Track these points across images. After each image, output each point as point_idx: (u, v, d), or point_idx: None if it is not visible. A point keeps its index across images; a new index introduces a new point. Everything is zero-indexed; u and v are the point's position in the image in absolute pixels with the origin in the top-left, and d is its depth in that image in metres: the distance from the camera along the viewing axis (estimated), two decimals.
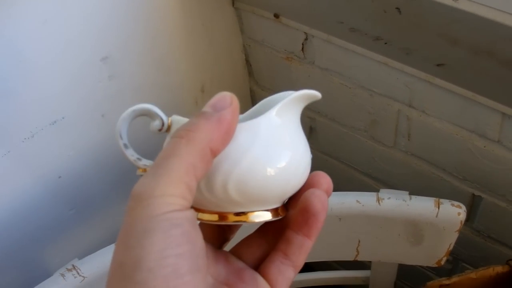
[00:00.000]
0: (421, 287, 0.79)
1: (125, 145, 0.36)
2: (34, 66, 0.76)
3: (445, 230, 0.75)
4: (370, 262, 0.89)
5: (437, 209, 0.74)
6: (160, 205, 0.29)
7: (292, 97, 0.36)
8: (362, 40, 0.84)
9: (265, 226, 0.39)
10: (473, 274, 0.79)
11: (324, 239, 0.73)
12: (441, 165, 0.93)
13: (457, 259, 1.07)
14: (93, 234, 0.98)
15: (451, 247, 0.78)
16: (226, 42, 1.05)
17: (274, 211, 0.36)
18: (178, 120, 0.36)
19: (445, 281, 0.79)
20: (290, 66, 1.01)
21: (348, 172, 1.08)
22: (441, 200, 0.75)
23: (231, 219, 0.35)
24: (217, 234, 0.39)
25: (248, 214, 0.36)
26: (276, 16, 0.94)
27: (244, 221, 0.36)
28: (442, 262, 0.80)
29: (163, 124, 0.36)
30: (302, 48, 0.96)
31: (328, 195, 0.36)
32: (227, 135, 0.32)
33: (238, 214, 0.35)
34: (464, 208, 0.75)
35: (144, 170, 0.36)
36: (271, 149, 0.34)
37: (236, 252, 0.38)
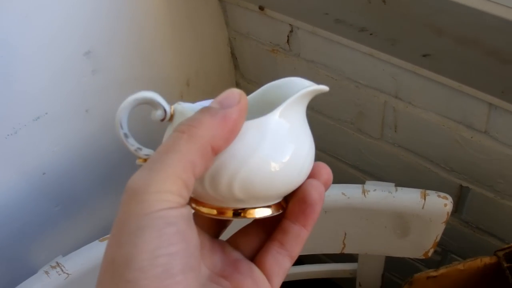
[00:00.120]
0: (409, 279, 0.79)
1: (126, 135, 0.35)
2: (16, 62, 0.75)
3: (431, 222, 0.75)
4: (358, 254, 0.89)
5: (423, 200, 0.74)
6: (154, 202, 0.28)
7: (300, 94, 0.35)
8: (347, 31, 0.84)
9: None
10: (460, 266, 0.78)
11: (310, 232, 0.72)
12: (428, 156, 0.93)
13: (446, 251, 1.07)
14: (80, 230, 0.98)
15: (438, 239, 0.78)
16: (211, 35, 1.05)
17: (275, 206, 0.36)
18: (181, 111, 0.35)
19: (432, 273, 0.78)
20: (276, 58, 1.00)
21: (335, 164, 1.08)
22: (427, 191, 0.75)
23: (231, 215, 0.35)
24: (213, 223, 0.38)
25: (249, 210, 0.35)
26: (261, 8, 0.94)
27: (244, 217, 0.35)
28: (429, 254, 0.80)
29: (165, 114, 0.35)
30: (288, 40, 0.96)
31: (328, 186, 0.37)
32: (231, 134, 0.31)
33: (238, 210, 0.35)
34: (450, 199, 0.74)
35: (144, 160, 0.35)
36: (278, 149, 0.34)
37: (233, 241, 0.38)
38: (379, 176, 1.05)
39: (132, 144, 0.35)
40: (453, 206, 0.96)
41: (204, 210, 0.35)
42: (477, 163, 0.86)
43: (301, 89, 0.35)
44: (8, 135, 0.78)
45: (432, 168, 0.94)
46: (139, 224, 0.28)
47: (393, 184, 0.76)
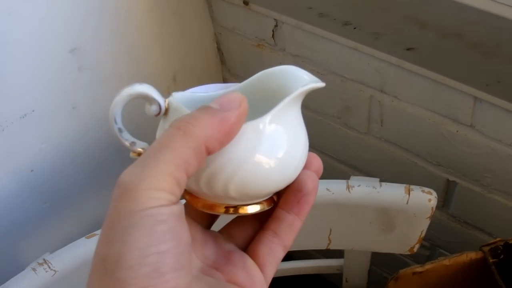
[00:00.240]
0: (394, 275, 0.78)
1: (120, 129, 0.34)
2: (1, 60, 0.75)
3: (416, 217, 0.74)
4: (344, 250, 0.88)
5: (407, 195, 0.73)
6: (146, 200, 0.28)
7: (297, 94, 0.34)
8: (332, 25, 0.83)
9: None
10: (446, 261, 0.78)
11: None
12: (415, 150, 0.93)
13: (435, 246, 1.06)
14: (68, 227, 0.98)
15: (423, 234, 0.77)
16: (197, 30, 1.04)
17: (266, 201, 0.36)
18: (176, 106, 0.34)
19: (418, 268, 0.78)
20: (261, 53, 1.00)
21: (322, 159, 1.05)
22: (412, 186, 0.74)
23: (223, 211, 0.35)
24: (205, 214, 0.38)
25: (241, 206, 0.36)
26: (246, 3, 0.93)
27: (236, 213, 0.36)
28: (415, 250, 0.79)
29: (160, 109, 0.34)
30: (273, 35, 0.95)
31: (319, 175, 0.37)
32: (227, 137, 0.31)
33: (230, 206, 0.35)
34: (435, 194, 0.74)
35: (138, 154, 0.35)
36: (274, 151, 0.33)
37: (226, 231, 0.38)
38: (366, 171, 1.04)
39: (127, 138, 0.35)
40: (441, 201, 0.96)
41: (197, 204, 0.35)
42: (464, 157, 0.86)
43: (298, 82, 0.35)
44: None
45: (419, 163, 0.94)
46: (129, 221, 0.28)
47: (378, 179, 0.76)
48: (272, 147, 0.33)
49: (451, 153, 0.87)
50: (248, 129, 0.33)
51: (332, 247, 0.82)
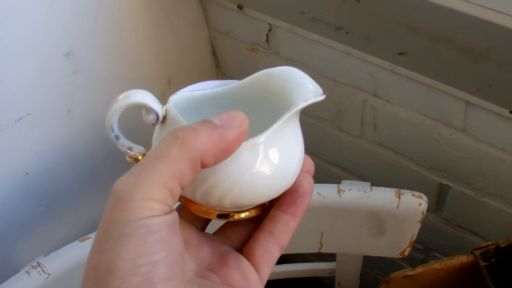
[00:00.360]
0: (385, 279, 0.79)
1: (116, 136, 0.34)
2: None
3: (406, 221, 0.75)
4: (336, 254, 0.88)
5: (398, 200, 0.74)
6: (138, 210, 0.28)
7: (299, 108, 0.33)
8: (324, 30, 0.83)
9: None
10: (437, 265, 0.78)
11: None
12: (408, 154, 0.93)
13: (428, 249, 1.06)
14: (64, 230, 0.98)
15: (414, 238, 0.78)
16: (191, 34, 1.04)
17: (259, 207, 0.37)
18: (174, 116, 0.34)
19: (409, 272, 0.78)
20: (256, 57, 1.00)
21: (316, 162, 1.06)
22: (402, 190, 0.75)
23: (215, 217, 0.36)
24: (200, 216, 0.38)
25: (234, 213, 0.36)
26: (240, 7, 0.93)
27: (228, 219, 0.36)
28: (406, 253, 0.80)
29: (157, 119, 0.34)
30: (267, 39, 0.95)
31: (311, 175, 0.38)
32: (223, 154, 0.31)
33: (223, 213, 0.36)
34: (425, 198, 0.74)
35: (135, 159, 0.35)
36: (271, 168, 0.33)
37: (221, 232, 0.38)
38: (360, 174, 1.05)
39: (123, 144, 0.34)
40: (434, 204, 0.96)
41: (190, 207, 0.35)
42: (456, 161, 0.86)
43: (301, 89, 0.34)
44: None
45: (412, 166, 0.94)
46: (121, 231, 0.28)
47: (369, 183, 0.76)
48: (269, 165, 0.33)
49: (443, 157, 0.87)
50: (247, 147, 0.32)
51: (323, 250, 0.82)
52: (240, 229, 0.38)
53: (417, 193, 0.74)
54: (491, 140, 0.80)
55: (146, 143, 0.37)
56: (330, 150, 1.05)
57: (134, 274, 0.27)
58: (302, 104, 0.33)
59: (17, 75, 0.78)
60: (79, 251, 0.73)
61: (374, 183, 0.78)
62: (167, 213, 0.29)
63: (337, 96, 0.93)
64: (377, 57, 0.82)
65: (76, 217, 0.99)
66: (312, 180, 0.37)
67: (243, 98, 0.37)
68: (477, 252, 0.77)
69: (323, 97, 0.34)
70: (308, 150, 1.15)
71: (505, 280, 0.75)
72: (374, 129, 0.93)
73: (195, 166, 0.30)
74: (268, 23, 0.92)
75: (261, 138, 0.33)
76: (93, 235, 0.75)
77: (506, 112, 0.74)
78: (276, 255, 0.37)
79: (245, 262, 0.36)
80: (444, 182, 0.91)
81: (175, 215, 0.30)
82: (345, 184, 0.76)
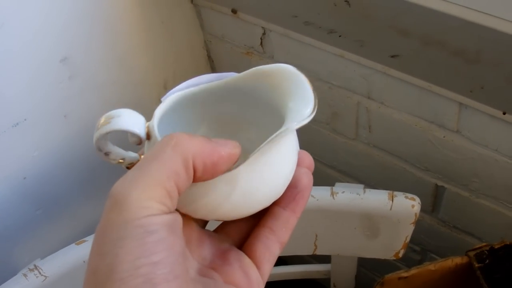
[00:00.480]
0: (380, 280, 0.79)
1: (106, 154, 0.34)
2: None
3: (400, 223, 0.75)
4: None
5: (391, 202, 0.74)
6: (135, 210, 0.28)
7: (291, 130, 0.33)
8: (317, 33, 0.84)
9: None
10: (432, 266, 0.79)
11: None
12: (403, 156, 0.93)
13: (425, 250, 1.07)
14: (61, 233, 0.98)
15: (408, 240, 0.78)
16: (187, 38, 1.05)
17: None
18: (156, 137, 0.34)
19: (403, 273, 0.78)
20: (250, 61, 1.00)
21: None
22: (395, 192, 0.75)
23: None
24: None
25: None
26: (234, 11, 0.94)
27: (220, 220, 0.37)
28: (400, 255, 0.80)
29: (140, 140, 0.34)
30: (261, 43, 0.96)
31: (310, 171, 0.37)
32: (213, 167, 0.31)
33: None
34: (418, 200, 0.74)
35: (131, 166, 0.35)
36: (260, 188, 0.34)
37: (222, 229, 0.38)
38: (355, 176, 1.05)
39: (114, 158, 0.34)
40: (430, 206, 0.96)
41: (182, 209, 0.35)
42: (451, 163, 0.86)
43: (299, 94, 0.34)
44: None
45: (407, 168, 0.94)
46: (119, 233, 0.28)
47: (362, 186, 0.76)
48: (258, 186, 0.33)
49: (438, 159, 0.88)
50: (225, 178, 0.32)
51: (318, 252, 0.82)
52: (241, 226, 0.38)
53: (410, 195, 0.74)
54: (485, 141, 0.80)
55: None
56: (326, 152, 1.06)
57: (134, 276, 0.27)
58: (299, 124, 0.32)
59: (14, 81, 0.79)
60: (75, 254, 0.73)
61: (370, 185, 0.78)
62: (165, 213, 0.29)
63: (332, 99, 0.93)
64: (370, 60, 0.82)
65: (74, 220, 0.99)
66: (311, 176, 0.37)
67: (238, 92, 0.37)
68: (472, 254, 0.77)
69: (309, 119, 0.33)
70: None
71: (499, 281, 0.75)
72: (369, 131, 0.93)
73: (188, 168, 0.30)
74: (262, 27, 0.92)
75: (250, 162, 0.32)
76: (89, 238, 0.76)
77: (499, 113, 0.74)
78: (277, 252, 0.37)
79: (246, 260, 0.36)
80: (440, 183, 0.91)
81: (175, 216, 0.30)
82: (339, 187, 0.76)
